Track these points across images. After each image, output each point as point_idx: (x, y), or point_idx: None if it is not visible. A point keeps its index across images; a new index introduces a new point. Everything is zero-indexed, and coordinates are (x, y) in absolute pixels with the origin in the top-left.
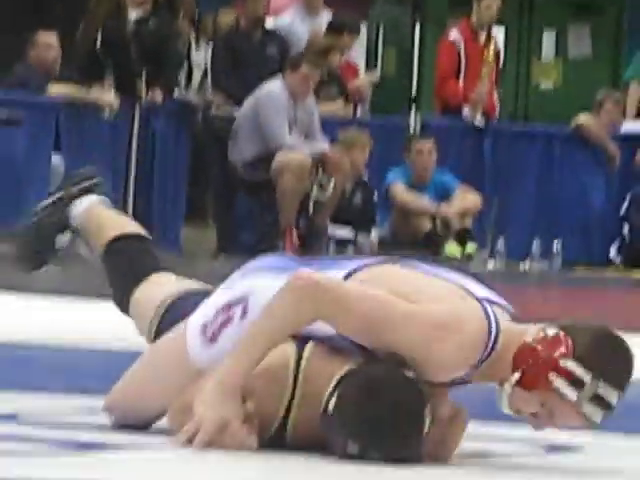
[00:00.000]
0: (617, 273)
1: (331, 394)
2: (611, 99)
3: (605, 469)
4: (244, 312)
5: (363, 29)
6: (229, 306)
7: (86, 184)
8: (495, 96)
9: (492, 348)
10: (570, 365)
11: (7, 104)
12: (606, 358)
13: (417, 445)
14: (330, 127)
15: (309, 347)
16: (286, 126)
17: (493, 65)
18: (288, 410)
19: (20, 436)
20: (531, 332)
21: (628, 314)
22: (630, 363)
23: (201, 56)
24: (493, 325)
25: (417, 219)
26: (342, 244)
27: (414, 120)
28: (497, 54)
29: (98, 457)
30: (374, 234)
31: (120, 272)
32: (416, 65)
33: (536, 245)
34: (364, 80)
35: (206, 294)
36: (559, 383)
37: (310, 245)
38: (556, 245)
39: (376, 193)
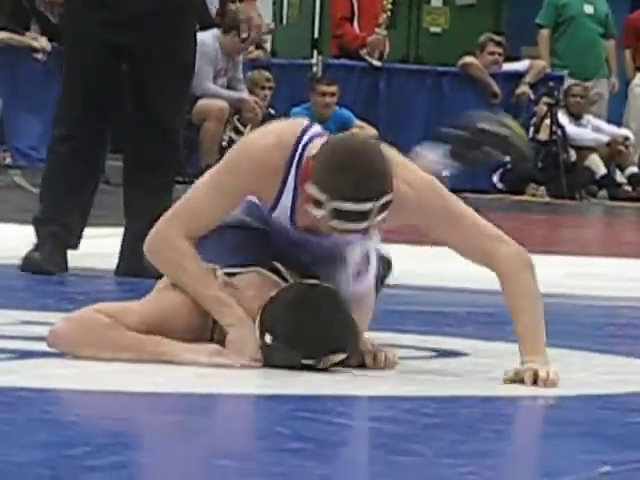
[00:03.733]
0: (499, 198)
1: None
2: (492, 42)
3: (490, 367)
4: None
5: None
6: None
7: None
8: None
9: (302, 147)
10: (310, 189)
11: None
12: (335, 178)
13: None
14: (243, 69)
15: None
16: (211, 76)
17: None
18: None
19: None
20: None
21: (509, 234)
22: (362, 174)
23: None
24: (308, 130)
25: None
26: None
27: (316, 62)
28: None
29: (37, 364)
30: None
31: None
32: (318, 12)
33: None
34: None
35: None
36: (308, 205)
37: None
38: (444, 173)
39: None
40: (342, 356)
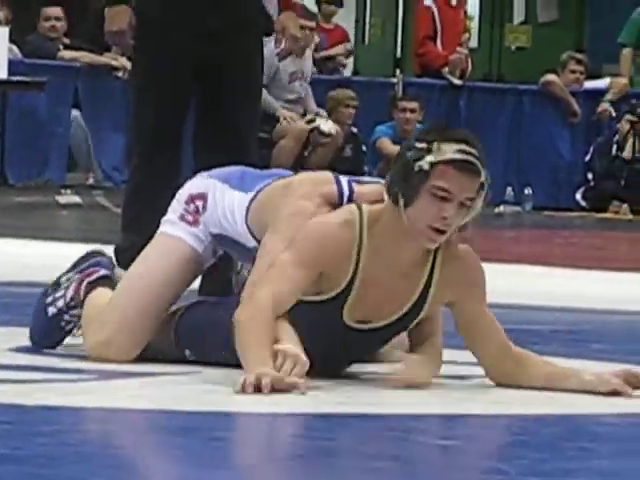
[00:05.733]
0: (582, 215)
1: None
2: (573, 60)
3: None
4: (204, 207)
5: (353, 1)
6: (192, 198)
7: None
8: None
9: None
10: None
11: (31, 69)
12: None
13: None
14: (322, 85)
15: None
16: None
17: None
18: (356, 265)
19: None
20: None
21: (592, 252)
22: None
23: None
24: (343, 185)
25: None
26: None
27: (398, 80)
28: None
29: (117, 385)
30: None
31: None
32: (400, 31)
33: (509, 191)
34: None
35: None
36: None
37: None
38: (527, 191)
39: (364, 146)
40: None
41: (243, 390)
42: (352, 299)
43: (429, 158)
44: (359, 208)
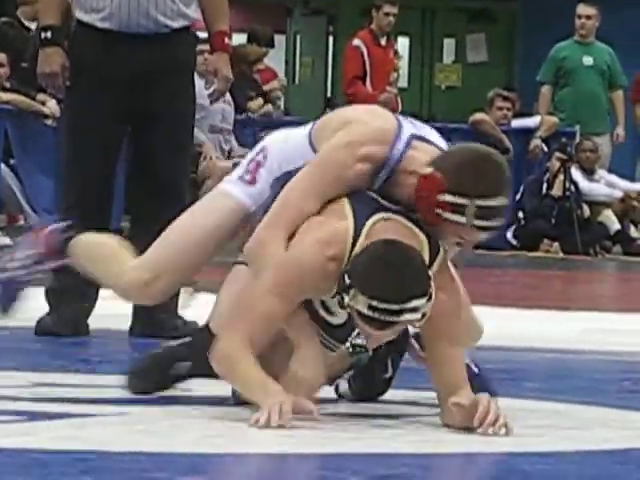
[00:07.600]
0: (514, 254)
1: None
2: (499, 97)
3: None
4: (264, 157)
5: (283, 41)
6: (254, 157)
7: None
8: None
9: (398, 158)
10: (447, 198)
11: None
12: (473, 179)
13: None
14: (252, 127)
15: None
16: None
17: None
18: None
19: None
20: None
21: (524, 290)
22: (496, 171)
23: None
24: (395, 150)
25: None
26: None
27: None
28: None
29: (48, 426)
30: None
31: None
32: (330, 72)
33: None
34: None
35: None
36: (446, 215)
37: None
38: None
39: None
40: (423, 300)
41: (259, 423)
42: None
43: (345, 298)
44: (355, 238)
